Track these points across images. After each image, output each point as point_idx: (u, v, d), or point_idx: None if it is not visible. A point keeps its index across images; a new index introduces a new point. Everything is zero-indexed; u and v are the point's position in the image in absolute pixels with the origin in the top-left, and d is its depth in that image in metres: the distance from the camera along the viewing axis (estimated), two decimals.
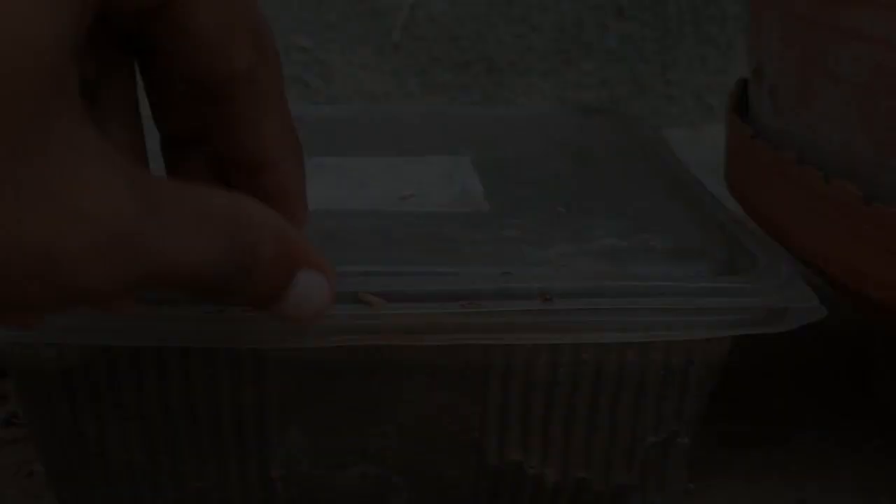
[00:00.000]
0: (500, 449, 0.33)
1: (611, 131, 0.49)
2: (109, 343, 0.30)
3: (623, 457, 0.34)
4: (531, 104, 0.72)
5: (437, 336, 0.30)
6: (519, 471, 0.34)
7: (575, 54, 0.69)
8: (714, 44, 0.76)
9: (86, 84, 0.23)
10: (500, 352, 0.31)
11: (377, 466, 0.34)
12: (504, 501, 0.35)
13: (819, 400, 0.47)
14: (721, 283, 0.32)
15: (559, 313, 0.30)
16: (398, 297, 0.30)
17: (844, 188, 0.33)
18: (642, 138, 0.48)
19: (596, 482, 0.34)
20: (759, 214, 0.40)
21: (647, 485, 0.35)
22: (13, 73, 0.15)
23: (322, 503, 0.35)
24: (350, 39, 0.66)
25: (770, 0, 0.39)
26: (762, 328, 0.32)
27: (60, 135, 0.17)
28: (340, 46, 0.67)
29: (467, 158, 0.44)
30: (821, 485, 0.40)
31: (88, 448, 0.33)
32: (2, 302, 0.18)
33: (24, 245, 0.16)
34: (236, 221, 0.21)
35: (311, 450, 0.33)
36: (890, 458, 0.42)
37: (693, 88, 0.77)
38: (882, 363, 0.48)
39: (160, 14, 0.22)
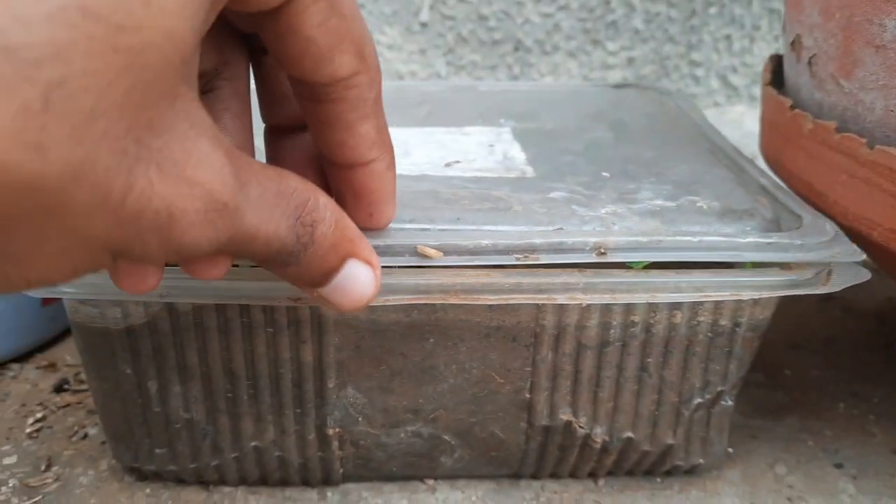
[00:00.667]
0: (551, 409, 0.34)
1: (645, 103, 0.50)
2: (173, 301, 0.31)
3: (670, 417, 0.35)
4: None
5: (491, 295, 0.31)
6: (568, 430, 0.35)
7: (601, 34, 0.69)
8: (739, 24, 0.76)
9: (207, 76, 0.26)
10: (551, 313, 0.32)
11: (430, 425, 0.35)
12: (552, 460, 0.36)
13: (851, 370, 0.48)
14: (771, 238, 0.32)
15: (613, 274, 0.31)
16: (455, 251, 0.30)
17: (889, 154, 0.33)
18: (677, 109, 0.49)
19: (643, 442, 0.35)
20: (798, 182, 0.40)
21: (690, 446, 0.36)
22: (160, 62, 0.18)
23: (375, 461, 0.36)
24: (378, 19, 0.66)
25: None
26: (807, 289, 0.32)
27: (184, 114, 0.19)
28: (368, 26, 0.68)
29: (507, 129, 0.44)
30: (856, 450, 0.41)
31: (150, 407, 0.34)
32: (121, 249, 0.19)
33: (154, 203, 0.19)
34: (304, 203, 0.24)
35: (366, 409, 0.34)
36: None
37: (718, 69, 0.77)
38: None
39: (275, 17, 0.24)
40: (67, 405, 0.43)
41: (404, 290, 0.31)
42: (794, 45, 0.42)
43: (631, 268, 0.33)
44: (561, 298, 0.31)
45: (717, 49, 0.77)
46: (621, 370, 0.34)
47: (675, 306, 0.32)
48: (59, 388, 0.44)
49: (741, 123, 0.80)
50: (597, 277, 0.31)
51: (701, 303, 0.32)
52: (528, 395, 0.34)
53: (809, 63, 0.40)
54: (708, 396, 0.35)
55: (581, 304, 0.31)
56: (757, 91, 0.80)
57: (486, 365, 0.33)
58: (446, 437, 0.35)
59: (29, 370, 0.46)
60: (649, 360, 0.33)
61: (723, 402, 0.35)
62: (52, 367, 0.46)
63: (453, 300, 0.31)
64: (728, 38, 0.77)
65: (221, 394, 0.33)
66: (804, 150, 0.39)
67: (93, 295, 0.30)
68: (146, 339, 0.32)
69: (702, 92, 0.79)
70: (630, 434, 0.35)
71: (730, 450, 0.40)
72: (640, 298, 0.31)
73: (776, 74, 0.47)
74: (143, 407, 0.34)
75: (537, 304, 0.32)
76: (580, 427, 0.35)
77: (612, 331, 0.33)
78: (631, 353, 0.33)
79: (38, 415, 0.42)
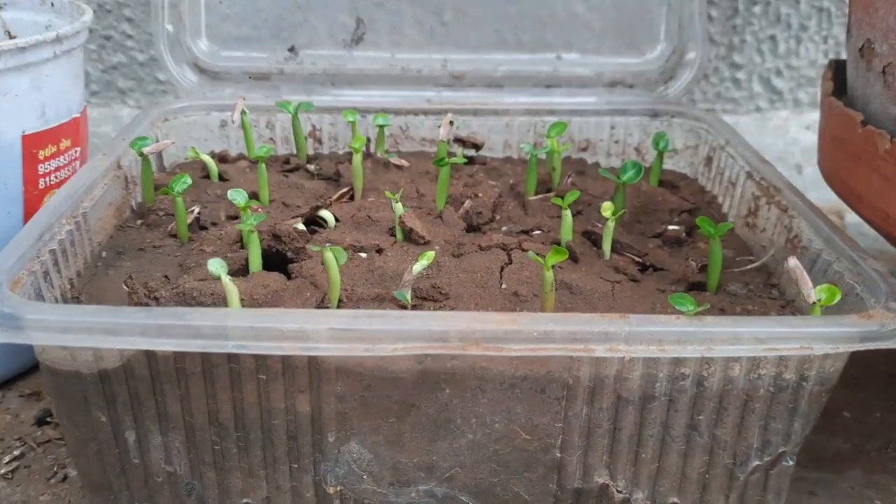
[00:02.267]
0: (584, 470, 0.30)
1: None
2: (150, 346, 0.27)
3: (722, 481, 0.30)
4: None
5: (518, 345, 0.27)
6: (604, 494, 0.30)
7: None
8: (785, 24, 0.71)
9: None
10: (587, 363, 0.28)
11: (445, 484, 0.30)
12: None
13: None
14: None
15: (661, 322, 0.27)
16: None
17: None
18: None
19: None
20: (869, 208, 0.35)
21: None
22: None
23: None
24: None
25: None
26: (886, 343, 0.28)
27: None
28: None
29: None
30: None
31: (129, 458, 0.30)
32: None
33: None
34: None
35: (372, 465, 0.30)
36: None
37: (761, 72, 0.72)
38: None
39: None
40: (48, 441, 0.39)
41: (417, 338, 0.26)
42: (864, 51, 0.37)
43: (683, 312, 0.28)
44: (600, 350, 0.27)
45: (761, 51, 0.72)
46: (667, 428, 0.29)
47: (734, 357, 0.28)
48: (40, 421, 0.40)
49: (785, 130, 0.75)
50: (642, 325, 0.26)
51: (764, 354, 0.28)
52: (558, 454, 0.30)
53: (883, 73, 0.35)
54: (767, 458, 0.30)
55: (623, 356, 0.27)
56: (802, 95, 0.74)
57: (510, 419, 0.29)
58: (464, 499, 0.31)
59: (12, 398, 0.42)
60: (700, 417, 0.29)
61: (783, 463, 0.31)
62: (36, 395, 0.42)
63: (473, 350, 0.26)
64: (773, 38, 0.72)
65: (208, 446, 0.30)
66: (878, 173, 0.34)
67: (60, 340, 0.27)
68: (122, 385, 0.29)
69: (743, 96, 0.74)
70: (675, 500, 0.31)
71: None
72: (692, 352, 0.27)
73: (837, 83, 0.42)
74: (120, 458, 0.30)
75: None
76: (618, 491, 0.30)
77: (658, 384, 0.28)
78: (679, 410, 0.29)
79: (16, 451, 0.38)
